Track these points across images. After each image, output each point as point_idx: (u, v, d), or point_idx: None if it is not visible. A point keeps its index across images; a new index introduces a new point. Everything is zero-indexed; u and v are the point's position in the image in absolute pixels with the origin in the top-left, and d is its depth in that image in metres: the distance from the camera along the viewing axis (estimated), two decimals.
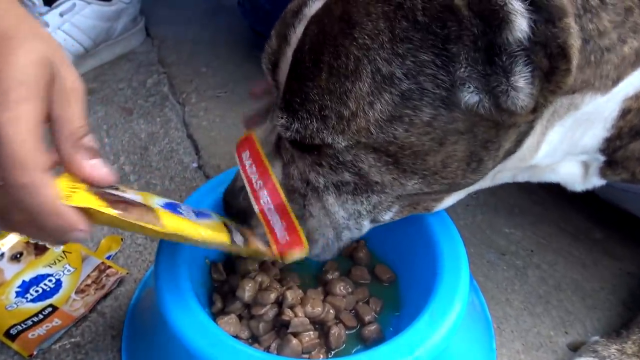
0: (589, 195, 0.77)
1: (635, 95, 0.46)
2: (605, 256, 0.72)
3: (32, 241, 0.71)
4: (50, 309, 0.63)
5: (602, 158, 0.51)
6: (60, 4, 0.99)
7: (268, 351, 0.54)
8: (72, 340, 0.62)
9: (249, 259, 0.60)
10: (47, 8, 0.99)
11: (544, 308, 0.66)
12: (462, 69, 0.39)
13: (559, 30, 0.36)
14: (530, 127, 0.45)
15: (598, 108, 0.45)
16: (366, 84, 0.41)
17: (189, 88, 1.03)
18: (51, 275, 0.67)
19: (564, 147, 0.49)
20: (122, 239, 0.73)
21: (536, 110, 0.40)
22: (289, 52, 0.45)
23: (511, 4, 0.35)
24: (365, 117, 0.42)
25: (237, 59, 1.10)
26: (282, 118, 0.44)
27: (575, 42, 0.36)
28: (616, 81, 0.43)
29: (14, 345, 0.60)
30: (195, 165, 0.86)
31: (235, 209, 0.54)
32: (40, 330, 0.61)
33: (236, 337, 0.55)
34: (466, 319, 0.57)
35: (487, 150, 0.44)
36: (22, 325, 0.61)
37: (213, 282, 0.61)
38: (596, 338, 0.59)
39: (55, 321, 0.62)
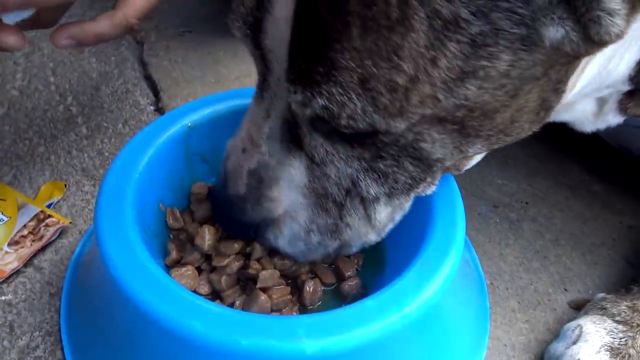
0: (587, 147, 0.70)
1: None
2: (604, 210, 0.66)
3: None
4: None
5: (626, 88, 0.44)
6: None
7: (232, 307, 0.46)
8: (3, 298, 0.53)
9: (207, 204, 0.52)
10: None
11: (540, 264, 0.60)
12: None
13: None
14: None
15: None
16: (422, 35, 0.31)
17: (149, 25, 0.92)
18: None
19: (596, 81, 0.41)
20: (65, 185, 0.63)
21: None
22: (280, 8, 0.34)
23: None
24: (430, 80, 0.32)
25: None
26: (296, 92, 0.34)
27: None
28: None
29: None
30: (152, 107, 0.77)
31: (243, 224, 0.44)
32: None
33: (194, 292, 0.47)
34: (457, 275, 0.50)
35: (557, 93, 0.37)
36: None
37: (169, 230, 0.53)
38: (602, 295, 0.53)
39: None
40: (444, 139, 0.36)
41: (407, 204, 0.43)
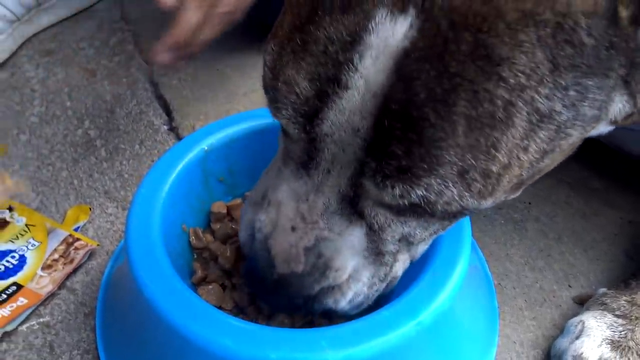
0: (586, 145, 0.73)
1: None
2: (605, 206, 0.69)
3: None
4: (14, 288, 0.58)
5: None
6: None
7: (256, 322, 0.49)
8: (41, 320, 0.57)
9: (228, 222, 0.55)
10: None
11: (545, 262, 0.63)
12: (613, 80, 0.34)
13: None
14: None
15: None
16: (520, 129, 0.33)
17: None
18: (14, 251, 0.61)
19: None
20: (90, 209, 0.67)
21: None
22: (352, 100, 0.34)
23: None
24: (519, 164, 0.35)
25: None
26: (393, 188, 0.35)
27: None
28: None
29: None
30: (166, 127, 0.80)
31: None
32: (4, 310, 0.55)
33: (219, 307, 0.50)
34: (466, 279, 0.54)
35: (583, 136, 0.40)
36: None
37: (192, 250, 0.56)
38: (603, 290, 0.56)
39: (21, 300, 0.57)
40: (503, 196, 0.38)
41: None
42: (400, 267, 0.44)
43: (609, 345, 0.50)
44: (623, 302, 0.53)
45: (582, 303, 0.57)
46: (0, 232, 0.63)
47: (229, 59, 0.91)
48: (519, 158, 0.34)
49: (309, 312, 0.45)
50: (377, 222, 0.40)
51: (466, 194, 0.34)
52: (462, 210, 0.36)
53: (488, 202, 0.36)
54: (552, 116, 0.33)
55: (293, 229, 0.41)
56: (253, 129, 0.59)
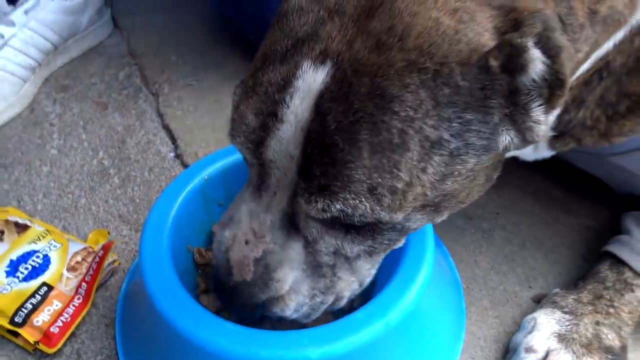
0: (550, 159, 0.81)
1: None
2: (565, 213, 0.77)
3: (10, 219, 0.72)
4: (45, 288, 0.65)
5: (550, 134, 0.55)
6: (25, 1, 1.00)
7: None
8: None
9: None
10: (11, 7, 1.00)
11: (509, 266, 0.71)
12: (497, 117, 0.42)
13: (558, 66, 0.40)
14: None
15: None
16: (415, 153, 0.41)
17: (161, 78, 1.05)
18: (38, 251, 0.68)
19: None
20: (108, 232, 0.76)
21: None
22: (286, 131, 0.42)
23: (532, 52, 0.39)
24: (421, 183, 0.42)
25: (206, 45, 1.12)
26: (316, 203, 0.42)
27: (568, 72, 0.40)
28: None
29: (23, 333, 0.61)
30: (172, 155, 0.89)
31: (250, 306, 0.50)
32: (44, 315, 0.63)
33: (217, 314, 0.58)
34: (436, 282, 0.62)
35: (497, 170, 0.49)
36: (24, 309, 0.63)
37: (196, 266, 0.65)
38: (556, 290, 0.64)
39: (56, 303, 0.64)
40: (424, 217, 0.46)
41: (381, 257, 0.52)
42: (344, 286, 0.51)
43: (556, 338, 0.58)
44: (570, 300, 0.61)
45: (539, 302, 0.65)
46: (22, 236, 0.70)
47: (226, 90, 1.00)
48: (419, 177, 0.42)
49: (264, 318, 0.52)
50: (310, 235, 0.47)
51: (377, 207, 0.42)
52: (377, 223, 0.44)
53: (399, 216, 0.44)
54: (442, 143, 0.41)
55: (247, 242, 0.48)
56: None
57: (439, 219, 0.48)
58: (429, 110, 0.40)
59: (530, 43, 0.38)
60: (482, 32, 0.39)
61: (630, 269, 0.61)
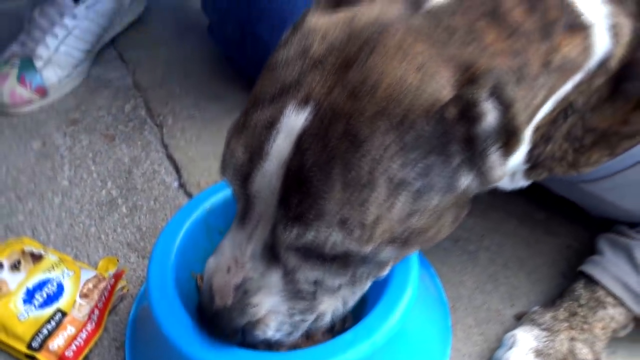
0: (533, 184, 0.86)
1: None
2: (546, 234, 0.82)
3: (26, 250, 0.77)
4: (60, 315, 0.70)
5: (525, 166, 0.60)
6: None
7: None
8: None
9: None
10: (75, 4, 1.18)
11: (493, 286, 0.75)
12: (457, 161, 0.46)
13: (511, 115, 0.45)
14: None
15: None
16: (383, 190, 0.44)
17: (165, 110, 1.10)
18: (52, 279, 0.73)
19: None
20: (117, 260, 0.81)
21: None
22: (270, 166, 0.46)
23: (484, 105, 0.44)
24: (388, 218, 0.46)
25: (208, 77, 1.18)
26: (292, 231, 0.46)
27: (523, 120, 0.46)
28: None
29: (40, 357, 0.66)
30: (176, 184, 0.94)
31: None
32: (59, 340, 0.68)
33: None
34: (423, 302, 0.67)
35: (464, 208, 0.53)
36: (40, 334, 0.68)
37: (199, 291, 0.70)
38: (536, 308, 0.69)
39: (70, 329, 0.69)
40: (393, 251, 0.50)
41: (366, 285, 0.56)
42: (325, 307, 0.55)
43: (533, 353, 0.62)
44: (548, 317, 0.66)
45: (520, 319, 0.70)
46: (37, 265, 0.75)
47: (227, 120, 1.05)
48: (387, 213, 0.46)
49: (246, 343, 0.55)
50: (289, 265, 0.51)
51: (347, 239, 0.45)
52: (349, 254, 0.48)
53: (368, 248, 0.47)
54: (407, 182, 0.45)
55: (228, 269, 0.52)
56: None
57: (408, 253, 0.53)
58: (396, 151, 0.44)
59: (482, 96, 0.43)
60: (443, 87, 0.44)
61: (603, 287, 0.66)
